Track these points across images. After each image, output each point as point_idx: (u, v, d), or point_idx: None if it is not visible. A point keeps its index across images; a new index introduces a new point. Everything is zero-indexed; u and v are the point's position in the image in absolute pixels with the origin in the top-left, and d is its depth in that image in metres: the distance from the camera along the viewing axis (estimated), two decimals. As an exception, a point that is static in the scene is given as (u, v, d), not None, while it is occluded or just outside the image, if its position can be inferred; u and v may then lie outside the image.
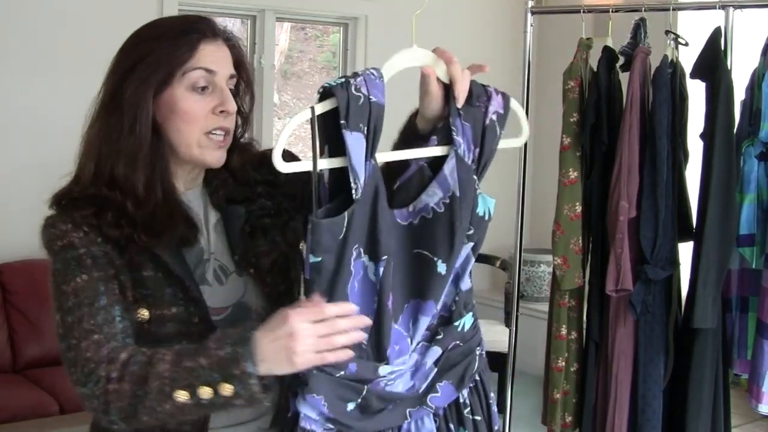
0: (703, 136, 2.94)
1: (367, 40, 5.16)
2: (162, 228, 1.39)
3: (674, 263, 2.99)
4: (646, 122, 2.98)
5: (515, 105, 1.50)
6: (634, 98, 2.97)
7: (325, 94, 1.35)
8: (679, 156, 2.97)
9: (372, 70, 1.35)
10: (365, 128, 1.33)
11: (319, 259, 1.31)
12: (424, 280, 1.41)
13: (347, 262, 1.33)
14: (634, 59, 3.00)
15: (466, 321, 1.50)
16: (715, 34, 2.93)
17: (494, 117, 1.45)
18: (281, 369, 1.27)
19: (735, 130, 2.91)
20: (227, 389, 1.25)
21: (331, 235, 1.31)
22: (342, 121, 1.31)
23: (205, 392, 1.26)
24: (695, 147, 2.99)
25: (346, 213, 1.32)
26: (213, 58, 1.42)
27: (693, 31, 3.42)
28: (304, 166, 1.34)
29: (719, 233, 2.88)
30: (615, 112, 3.09)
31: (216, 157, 1.45)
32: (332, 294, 1.32)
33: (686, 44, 3.06)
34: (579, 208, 3.14)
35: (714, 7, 3.00)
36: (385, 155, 1.41)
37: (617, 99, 3.11)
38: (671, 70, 2.95)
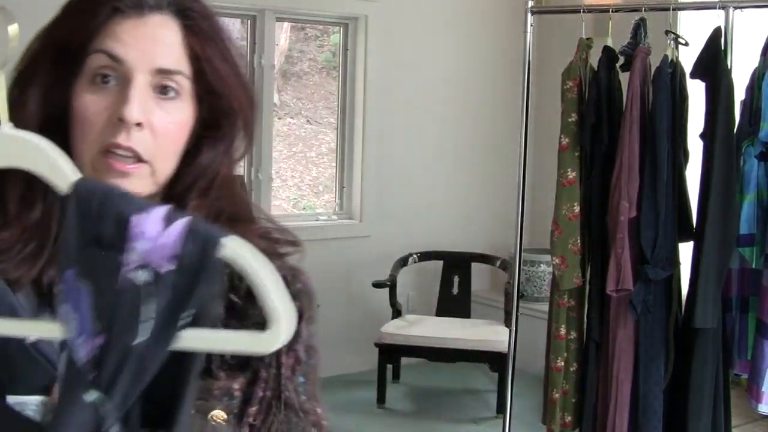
0: (703, 136, 2.94)
1: (367, 40, 5.15)
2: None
3: (674, 263, 2.99)
4: (646, 122, 2.98)
5: (241, 255, 0.71)
6: (635, 98, 2.97)
7: None
8: (679, 156, 2.97)
9: None
10: None
11: None
12: None
13: None
14: (634, 59, 3.00)
15: None
16: (715, 34, 2.93)
17: (145, 276, 0.71)
18: None
19: (735, 130, 2.91)
20: None
21: None
22: None
23: None
24: (695, 147, 2.99)
25: None
26: (126, 36, 0.90)
27: (693, 31, 3.42)
28: None
29: (719, 233, 2.88)
30: (615, 112, 3.09)
31: None
32: None
33: (686, 44, 3.06)
34: (577, 208, 3.14)
35: (714, 7, 3.00)
36: None
37: (617, 99, 3.12)
38: (671, 70, 2.95)
